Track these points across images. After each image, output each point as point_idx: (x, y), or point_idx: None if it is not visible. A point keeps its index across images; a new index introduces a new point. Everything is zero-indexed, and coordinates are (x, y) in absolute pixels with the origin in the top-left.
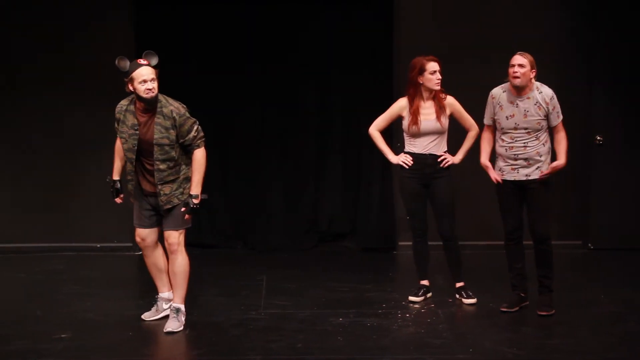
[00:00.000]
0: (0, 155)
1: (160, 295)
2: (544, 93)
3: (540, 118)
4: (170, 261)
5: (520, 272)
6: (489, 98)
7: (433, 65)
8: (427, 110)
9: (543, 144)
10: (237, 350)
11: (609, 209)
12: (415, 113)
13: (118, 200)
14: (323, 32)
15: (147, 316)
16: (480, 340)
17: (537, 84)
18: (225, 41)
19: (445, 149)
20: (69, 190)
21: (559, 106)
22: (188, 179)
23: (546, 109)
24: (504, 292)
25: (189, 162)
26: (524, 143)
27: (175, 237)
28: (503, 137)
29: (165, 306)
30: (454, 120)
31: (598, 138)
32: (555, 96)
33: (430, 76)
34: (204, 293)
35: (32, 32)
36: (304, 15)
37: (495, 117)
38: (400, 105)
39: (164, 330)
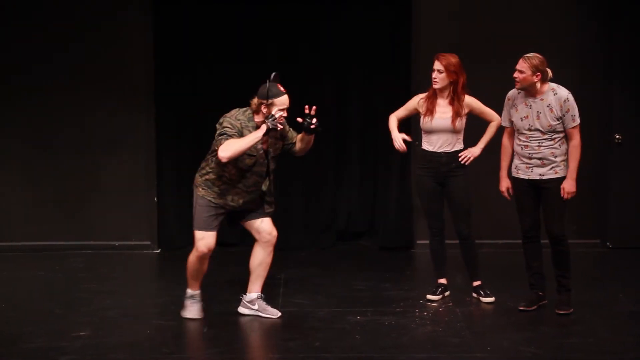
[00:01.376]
0: (20, 155)
1: (196, 292)
2: (558, 95)
3: (552, 120)
4: (267, 253)
5: (538, 270)
6: (506, 99)
7: (435, 63)
8: (444, 109)
9: (559, 145)
10: (255, 348)
11: (627, 208)
12: (429, 108)
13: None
14: (342, 31)
15: (194, 314)
16: (498, 339)
17: (554, 85)
18: (245, 40)
19: (461, 147)
20: (88, 189)
21: (575, 110)
22: None
23: (559, 111)
24: (522, 290)
25: None
26: (539, 143)
27: (276, 230)
28: (519, 136)
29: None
30: (472, 117)
31: (617, 137)
32: (571, 98)
33: (432, 73)
34: (223, 292)
35: (54, 31)
36: (323, 14)
37: (512, 119)
38: (417, 100)
39: (277, 316)
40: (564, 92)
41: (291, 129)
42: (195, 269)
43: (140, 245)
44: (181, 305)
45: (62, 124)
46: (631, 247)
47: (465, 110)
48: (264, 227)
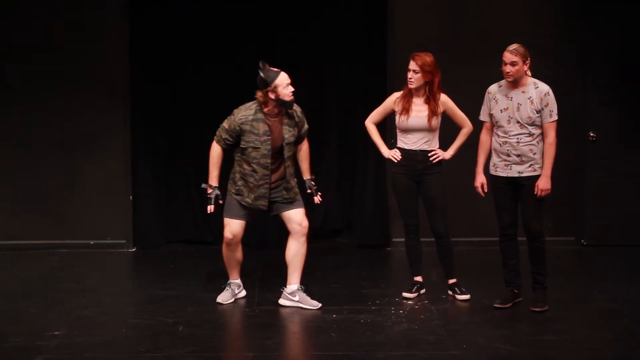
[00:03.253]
0: None
1: (234, 281)
2: (540, 88)
3: (531, 112)
4: (299, 243)
5: (514, 268)
6: (486, 94)
7: (410, 63)
8: (420, 107)
9: (537, 142)
10: (231, 346)
11: (602, 206)
12: (405, 107)
13: (212, 208)
14: (318, 28)
15: (224, 299)
16: (474, 336)
17: (535, 80)
18: (222, 40)
19: (437, 146)
20: (64, 188)
21: (554, 106)
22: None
23: (539, 104)
24: (497, 288)
25: None
26: (517, 139)
27: (307, 220)
28: (498, 132)
29: (237, 291)
30: (447, 117)
31: (591, 134)
32: (552, 94)
33: (407, 73)
34: (199, 290)
35: (31, 31)
36: (300, 11)
37: (492, 112)
38: (393, 98)
39: (317, 307)
40: (545, 86)
41: (306, 123)
42: (226, 255)
43: (116, 244)
44: (157, 304)
45: (39, 123)
46: (606, 244)
47: (441, 109)
48: (293, 217)
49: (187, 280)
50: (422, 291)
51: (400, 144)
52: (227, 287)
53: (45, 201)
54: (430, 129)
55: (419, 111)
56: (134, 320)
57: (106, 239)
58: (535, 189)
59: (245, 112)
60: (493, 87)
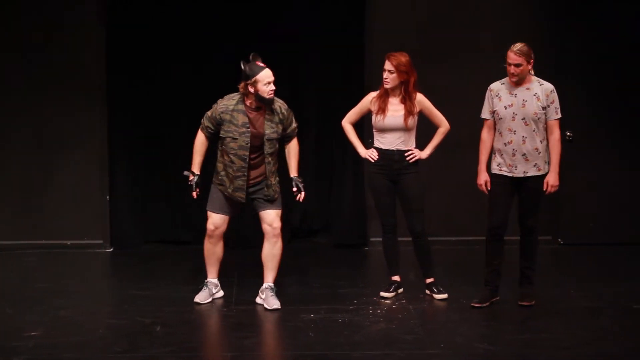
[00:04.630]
0: None
1: (211, 280)
2: (545, 86)
3: (537, 109)
4: (270, 244)
5: (496, 268)
6: (487, 92)
7: (385, 63)
8: (396, 107)
9: (541, 140)
10: (209, 346)
11: (578, 205)
12: (381, 107)
13: (195, 194)
14: (295, 26)
15: (201, 299)
16: (451, 335)
17: (538, 78)
18: (199, 39)
19: (414, 146)
20: (40, 188)
21: (558, 103)
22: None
23: (545, 101)
24: (475, 287)
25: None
26: (523, 137)
27: (279, 222)
28: (501, 130)
29: (214, 290)
30: (424, 116)
31: (568, 134)
32: (555, 92)
33: (383, 73)
34: (177, 290)
35: (8, 31)
36: (276, 8)
37: (495, 109)
38: (369, 98)
39: (271, 308)
40: (550, 84)
41: (295, 121)
42: (206, 250)
43: (93, 245)
44: (134, 304)
45: (15, 123)
46: (583, 243)
47: (417, 109)
48: (266, 218)
49: (164, 281)
50: (400, 291)
51: (377, 143)
52: (205, 287)
53: (22, 201)
54: (406, 129)
55: (395, 111)
56: (111, 321)
57: (83, 239)
58: (545, 185)
59: (227, 102)
60: (495, 85)
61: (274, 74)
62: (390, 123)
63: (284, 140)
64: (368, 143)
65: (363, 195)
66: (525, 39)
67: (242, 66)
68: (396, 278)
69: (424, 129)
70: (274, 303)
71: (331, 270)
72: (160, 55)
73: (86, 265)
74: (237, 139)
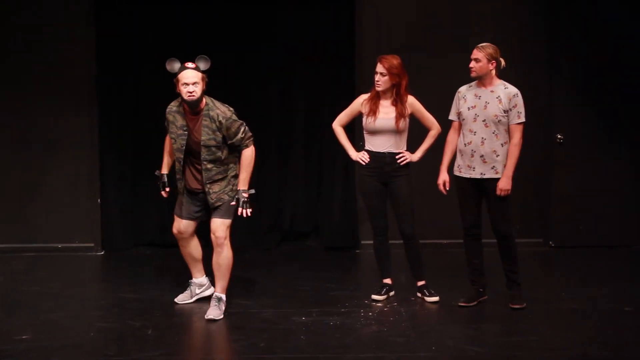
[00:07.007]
0: None
1: (194, 280)
2: (509, 89)
3: (499, 111)
4: (215, 253)
5: (478, 267)
6: (456, 94)
7: (377, 66)
8: (387, 109)
9: (502, 144)
10: (199, 350)
11: (569, 207)
12: (372, 109)
13: (164, 193)
14: (285, 29)
15: (180, 299)
16: (442, 338)
17: (504, 82)
18: (188, 40)
19: (405, 148)
20: (30, 191)
21: (522, 108)
22: (237, 176)
23: (507, 104)
24: (466, 289)
25: (237, 160)
26: (482, 138)
27: (222, 231)
28: (464, 131)
29: (198, 291)
30: (416, 119)
31: (558, 137)
32: (520, 97)
33: (375, 76)
34: (167, 293)
35: None
36: (267, 12)
37: (460, 110)
38: (360, 100)
39: (206, 317)
40: (514, 88)
41: (243, 132)
42: (182, 253)
43: (83, 247)
44: (124, 307)
45: (5, 124)
46: (573, 246)
47: (409, 111)
48: (211, 226)
49: (155, 284)
50: (391, 293)
51: (368, 146)
52: (188, 287)
53: (12, 204)
54: (397, 131)
55: (386, 113)
56: (102, 324)
57: (73, 242)
58: (496, 189)
59: (173, 103)
60: (463, 87)
61: (265, 76)
62: (381, 125)
63: (236, 150)
64: (359, 146)
65: (354, 198)
66: (515, 39)
67: (166, 65)
68: (387, 281)
69: (415, 132)
70: (210, 313)
71: (322, 273)
72: (149, 57)
73: (77, 268)
74: (175, 140)
